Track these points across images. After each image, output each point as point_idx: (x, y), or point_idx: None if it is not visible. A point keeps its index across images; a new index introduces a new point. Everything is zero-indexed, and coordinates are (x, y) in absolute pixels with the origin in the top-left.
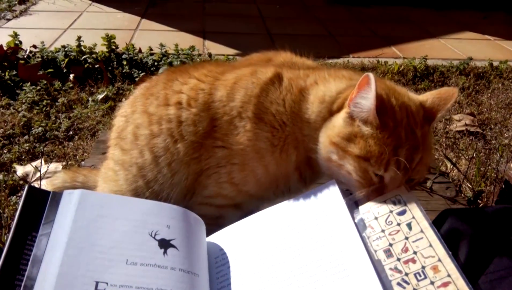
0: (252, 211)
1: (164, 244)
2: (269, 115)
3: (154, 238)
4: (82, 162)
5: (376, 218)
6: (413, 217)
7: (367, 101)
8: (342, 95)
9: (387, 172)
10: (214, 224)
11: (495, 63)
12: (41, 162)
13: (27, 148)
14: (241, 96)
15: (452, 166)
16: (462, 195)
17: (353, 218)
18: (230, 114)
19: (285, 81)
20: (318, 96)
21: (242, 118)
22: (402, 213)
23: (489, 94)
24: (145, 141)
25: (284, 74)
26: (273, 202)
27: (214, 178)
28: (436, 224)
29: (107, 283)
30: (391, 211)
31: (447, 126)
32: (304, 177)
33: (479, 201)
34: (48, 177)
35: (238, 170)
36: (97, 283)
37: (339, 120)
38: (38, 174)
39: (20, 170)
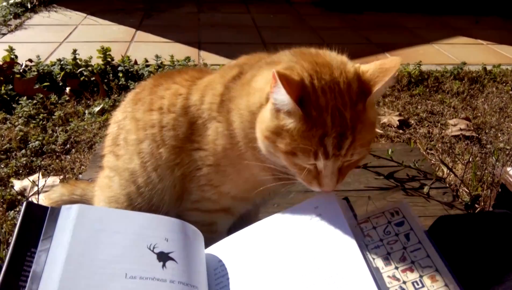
0: (244, 216)
1: (163, 257)
2: (227, 112)
3: (152, 251)
4: (80, 175)
5: (374, 228)
6: (411, 229)
7: (283, 96)
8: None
9: (317, 161)
10: (207, 231)
11: (489, 67)
12: (38, 177)
13: (24, 162)
14: (209, 97)
15: (448, 171)
16: (459, 200)
17: (351, 227)
18: (202, 117)
19: (242, 78)
20: (254, 88)
21: (210, 118)
22: (400, 224)
23: (483, 98)
24: (134, 146)
25: (243, 72)
26: (264, 204)
27: (195, 182)
28: (433, 230)
29: None
30: (389, 222)
31: (443, 131)
32: (277, 175)
33: (476, 205)
34: (45, 191)
35: (214, 171)
36: None
37: (267, 112)
38: (35, 189)
39: (17, 184)
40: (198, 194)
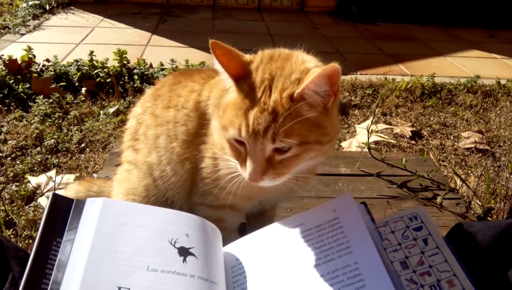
0: (258, 217)
1: (184, 252)
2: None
3: (174, 246)
4: (94, 174)
5: (392, 232)
6: (429, 234)
7: (217, 64)
8: None
9: (242, 137)
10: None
11: (503, 81)
12: (55, 174)
13: (39, 159)
14: (214, 93)
15: (461, 182)
16: (472, 212)
17: (369, 230)
18: (208, 112)
19: None
20: None
21: (213, 113)
22: (418, 229)
23: (497, 112)
24: (152, 141)
25: None
26: (274, 204)
27: (199, 174)
28: (450, 237)
29: (129, 289)
30: (407, 227)
31: (456, 143)
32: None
33: (489, 218)
34: (60, 189)
35: (211, 163)
36: (119, 288)
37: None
38: (50, 185)
39: (32, 181)
40: (202, 187)
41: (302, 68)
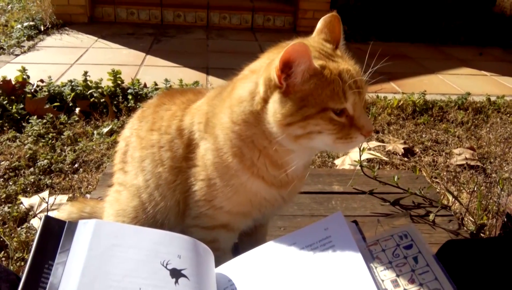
0: (251, 236)
1: (176, 274)
2: (212, 128)
3: (165, 267)
4: (87, 195)
5: (383, 250)
6: (419, 252)
7: (303, 64)
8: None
9: (348, 101)
10: (210, 249)
11: (493, 98)
12: (48, 195)
13: (32, 180)
14: (197, 118)
15: (453, 199)
16: (465, 228)
17: (361, 249)
18: (195, 138)
19: (222, 93)
20: (237, 98)
21: (200, 137)
22: (408, 247)
23: (487, 128)
24: (137, 163)
25: (223, 89)
26: (267, 221)
27: (192, 198)
28: (441, 254)
29: None
30: (398, 245)
31: (448, 160)
32: (273, 182)
33: (481, 234)
34: (53, 209)
35: (205, 185)
36: None
37: (275, 107)
38: (43, 206)
39: (25, 202)
40: (195, 210)
41: (314, 39)
